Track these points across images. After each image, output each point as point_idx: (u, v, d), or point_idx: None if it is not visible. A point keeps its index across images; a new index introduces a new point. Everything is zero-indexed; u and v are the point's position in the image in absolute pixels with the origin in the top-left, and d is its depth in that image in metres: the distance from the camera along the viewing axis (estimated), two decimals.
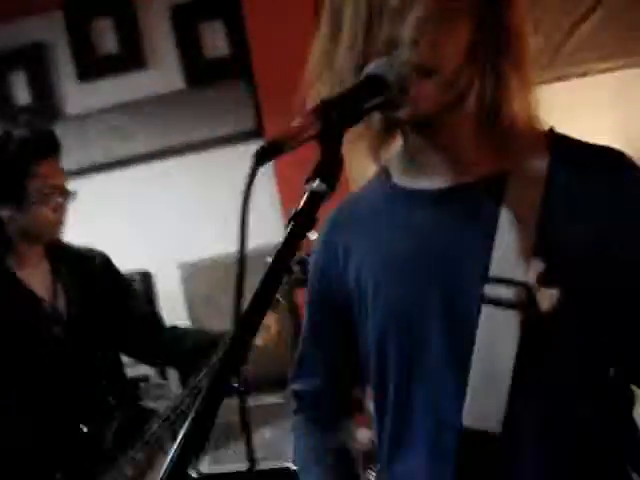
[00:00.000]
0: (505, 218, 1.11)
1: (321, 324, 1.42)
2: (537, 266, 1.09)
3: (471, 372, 1.10)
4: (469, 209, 1.16)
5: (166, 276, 4.20)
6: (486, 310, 1.10)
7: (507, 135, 1.13)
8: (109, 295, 2.49)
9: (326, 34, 1.22)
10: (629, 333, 1.14)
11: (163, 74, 4.47)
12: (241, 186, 4.50)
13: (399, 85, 1.08)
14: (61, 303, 2.37)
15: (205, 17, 4.23)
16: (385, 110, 1.10)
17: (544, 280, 1.08)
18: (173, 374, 3.80)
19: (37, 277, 2.38)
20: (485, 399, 1.09)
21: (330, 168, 0.99)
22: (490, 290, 1.10)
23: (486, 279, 1.11)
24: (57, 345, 2.33)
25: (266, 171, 4.13)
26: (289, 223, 0.97)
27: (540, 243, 1.11)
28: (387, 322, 1.21)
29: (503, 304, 1.09)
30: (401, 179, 1.28)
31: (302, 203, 0.98)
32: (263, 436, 3.46)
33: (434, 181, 1.17)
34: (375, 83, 1.06)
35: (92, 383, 2.39)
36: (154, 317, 2.63)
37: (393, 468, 1.25)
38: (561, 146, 1.18)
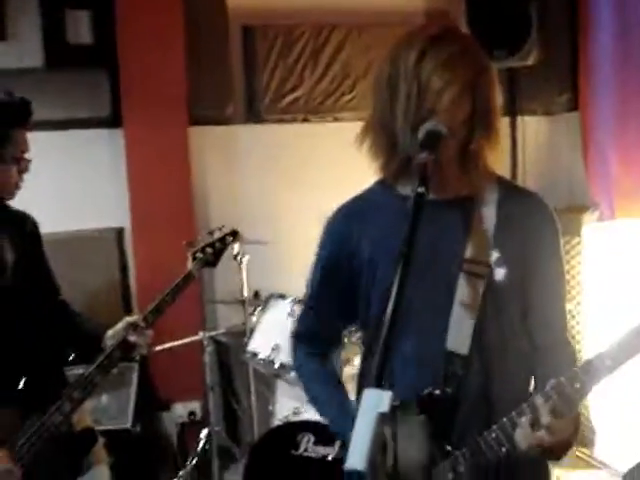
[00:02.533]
0: (474, 224, 1.79)
1: (329, 284, 1.97)
2: (494, 255, 1.76)
3: (452, 315, 1.75)
4: (450, 215, 1.80)
5: None
6: (463, 277, 1.76)
7: (478, 171, 1.79)
8: (38, 255, 2.67)
9: (385, 102, 1.76)
10: (531, 300, 1.83)
11: (23, 49, 4.51)
12: (90, 168, 4.75)
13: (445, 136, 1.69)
14: (6, 254, 2.49)
15: (73, 5, 4.48)
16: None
17: (498, 263, 1.76)
18: None
19: None
20: (460, 332, 1.74)
21: (426, 180, 1.57)
22: (466, 266, 1.77)
23: (464, 259, 1.77)
24: (4, 292, 2.44)
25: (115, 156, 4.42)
26: (415, 205, 1.54)
27: (496, 241, 1.78)
28: (386, 287, 1.61)
29: (473, 275, 1.76)
30: (402, 189, 1.84)
31: (414, 203, 1.55)
32: (100, 401, 4.10)
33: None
34: (435, 134, 1.67)
35: (36, 330, 2.54)
36: (58, 288, 2.75)
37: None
38: (502, 182, 1.89)
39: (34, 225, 2.66)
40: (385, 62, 1.80)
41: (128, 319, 2.57)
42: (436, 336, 1.75)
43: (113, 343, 2.51)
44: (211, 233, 3.01)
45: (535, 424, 1.56)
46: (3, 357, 2.41)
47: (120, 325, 2.55)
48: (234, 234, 3.00)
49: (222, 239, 2.94)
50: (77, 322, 2.71)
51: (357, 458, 1.14)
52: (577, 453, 4.28)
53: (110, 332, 2.56)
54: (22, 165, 2.50)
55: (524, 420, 1.58)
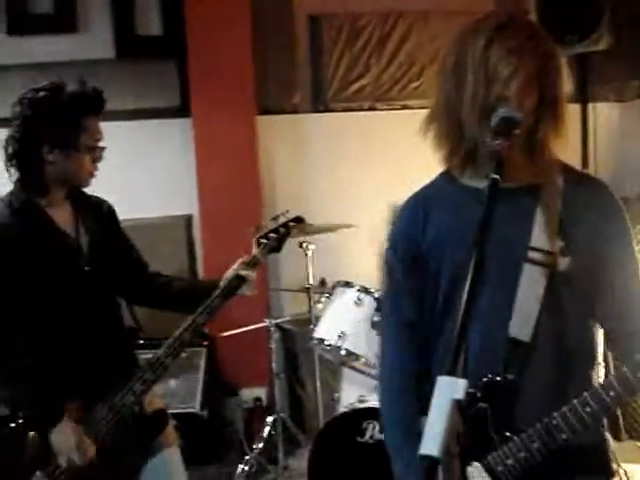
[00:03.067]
0: (539, 213, 1.78)
1: (405, 274, 1.93)
2: (559, 243, 1.75)
3: (516, 303, 1.74)
4: (514, 204, 1.76)
5: None
6: (527, 266, 1.75)
7: (544, 160, 1.77)
8: (116, 239, 2.78)
9: (451, 90, 1.74)
10: (601, 290, 1.81)
11: (94, 41, 4.61)
12: (159, 157, 4.84)
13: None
14: (83, 239, 2.58)
15: None
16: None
17: (562, 252, 1.74)
18: None
19: (63, 215, 2.57)
20: (523, 320, 1.74)
21: (501, 167, 1.56)
22: (531, 254, 1.76)
23: (528, 248, 1.76)
24: (80, 275, 2.54)
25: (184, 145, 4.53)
26: (490, 191, 1.52)
27: (560, 231, 1.76)
28: (456, 273, 1.75)
29: (538, 263, 1.75)
30: (467, 181, 1.83)
31: (489, 189, 1.52)
32: (169, 385, 4.20)
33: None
34: (510, 121, 1.65)
35: (109, 311, 2.67)
36: (143, 261, 2.89)
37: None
38: (568, 170, 1.86)
39: (110, 210, 2.75)
40: (451, 50, 1.78)
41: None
42: (499, 323, 1.75)
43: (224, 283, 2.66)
44: (275, 219, 3.02)
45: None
46: (77, 338, 2.49)
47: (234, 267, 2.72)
48: (298, 220, 3.01)
49: (285, 225, 2.95)
50: (175, 285, 2.81)
51: (432, 444, 1.15)
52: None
53: (226, 274, 2.70)
54: (96, 154, 2.54)
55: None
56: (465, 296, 1.39)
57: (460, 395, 1.19)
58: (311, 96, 5.01)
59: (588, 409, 1.60)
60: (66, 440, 2.36)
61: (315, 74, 5.00)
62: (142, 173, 4.72)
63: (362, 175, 4.86)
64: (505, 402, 1.71)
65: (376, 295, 3.62)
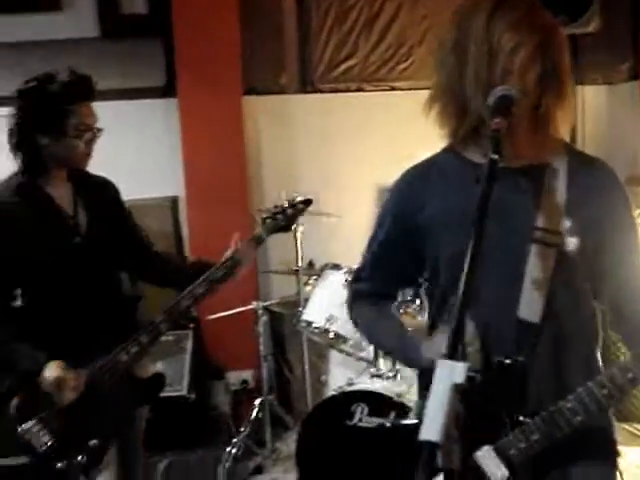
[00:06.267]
0: (545, 193, 1.77)
1: (394, 241, 1.95)
2: (565, 224, 1.74)
3: (524, 284, 1.73)
4: (519, 184, 1.77)
5: None
6: (534, 247, 1.74)
7: (548, 136, 1.77)
8: (118, 217, 2.91)
9: (453, 68, 1.74)
10: (606, 270, 1.82)
11: (78, 19, 4.55)
12: (144, 138, 4.79)
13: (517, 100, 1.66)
14: (81, 218, 2.73)
15: None
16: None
17: (569, 232, 1.74)
18: None
19: (62, 195, 2.72)
20: (531, 301, 1.73)
21: (500, 146, 1.54)
22: (538, 234, 1.74)
23: (535, 228, 1.74)
24: (77, 252, 2.68)
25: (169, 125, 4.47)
26: (489, 172, 1.50)
27: (567, 210, 1.76)
28: (457, 252, 1.61)
29: (545, 244, 1.74)
30: (471, 155, 1.82)
31: (488, 169, 1.51)
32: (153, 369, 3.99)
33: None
34: (506, 99, 1.63)
35: (105, 282, 2.80)
36: (148, 241, 3.04)
37: None
38: (571, 150, 1.87)
39: (114, 190, 2.91)
40: (451, 27, 1.77)
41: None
42: (507, 305, 1.74)
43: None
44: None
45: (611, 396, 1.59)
46: (76, 308, 2.63)
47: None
48: (307, 202, 3.07)
49: (294, 205, 3.01)
50: (177, 264, 3.04)
51: (432, 429, 1.13)
52: (632, 429, 4.23)
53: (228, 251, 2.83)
54: (87, 136, 2.66)
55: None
56: (463, 279, 1.36)
57: (460, 379, 1.17)
58: (298, 76, 4.96)
59: (605, 391, 1.60)
60: (53, 375, 2.50)
61: (302, 54, 4.94)
62: (127, 154, 4.65)
63: (349, 156, 4.83)
64: (516, 384, 1.71)
65: None
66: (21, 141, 2.65)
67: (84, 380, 2.56)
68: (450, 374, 1.18)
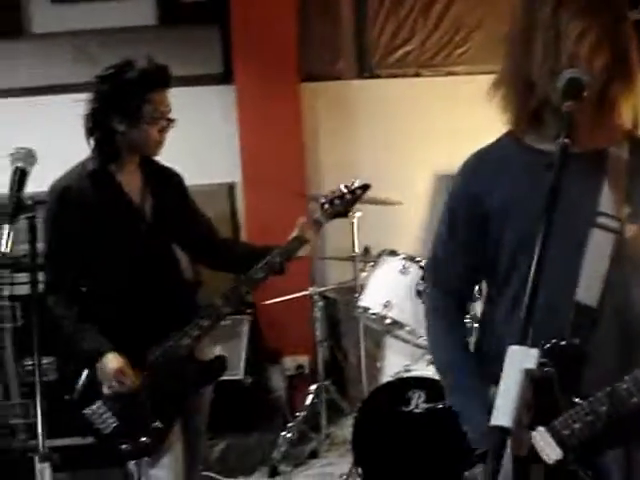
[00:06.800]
0: (607, 179, 1.76)
1: (463, 235, 1.92)
2: (626, 210, 1.74)
3: (583, 268, 1.74)
4: (581, 170, 1.73)
5: None
6: (595, 231, 1.74)
7: (613, 122, 1.73)
8: (183, 208, 2.96)
9: (521, 54, 1.72)
10: None
11: (136, 8, 4.60)
12: (202, 125, 4.82)
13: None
14: (148, 206, 2.79)
15: None
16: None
17: (629, 219, 1.74)
18: None
19: (132, 182, 2.78)
20: (590, 285, 1.73)
21: (571, 130, 1.52)
22: (599, 219, 1.74)
23: (597, 212, 1.74)
24: (142, 238, 2.76)
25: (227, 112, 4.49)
26: (561, 151, 1.49)
27: (627, 197, 1.75)
28: (524, 235, 1.73)
29: (606, 229, 1.74)
30: (533, 142, 1.79)
31: (559, 153, 1.49)
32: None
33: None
34: (577, 82, 1.59)
35: (168, 267, 2.88)
36: (213, 229, 3.07)
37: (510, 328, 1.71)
38: (633, 137, 1.80)
39: (179, 179, 2.97)
40: (518, 13, 1.75)
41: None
42: (566, 288, 1.74)
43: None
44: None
45: None
46: (138, 289, 2.72)
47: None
48: (365, 187, 3.07)
49: (353, 191, 3.02)
50: (241, 249, 3.08)
51: (503, 414, 1.12)
52: None
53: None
54: (161, 124, 2.71)
55: None
56: (534, 266, 1.35)
57: (532, 364, 1.17)
58: (355, 62, 4.94)
59: None
60: (109, 368, 2.58)
61: (359, 40, 4.92)
62: (185, 140, 4.67)
63: (407, 142, 4.80)
64: (571, 367, 1.71)
65: (422, 264, 3.59)
66: (97, 126, 2.70)
67: (141, 380, 2.63)
68: (521, 359, 1.18)
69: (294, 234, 2.86)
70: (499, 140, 1.91)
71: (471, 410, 1.80)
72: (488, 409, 1.27)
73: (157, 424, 2.64)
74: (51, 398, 2.02)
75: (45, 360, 3.51)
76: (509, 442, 1.14)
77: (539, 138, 1.77)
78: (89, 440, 2.66)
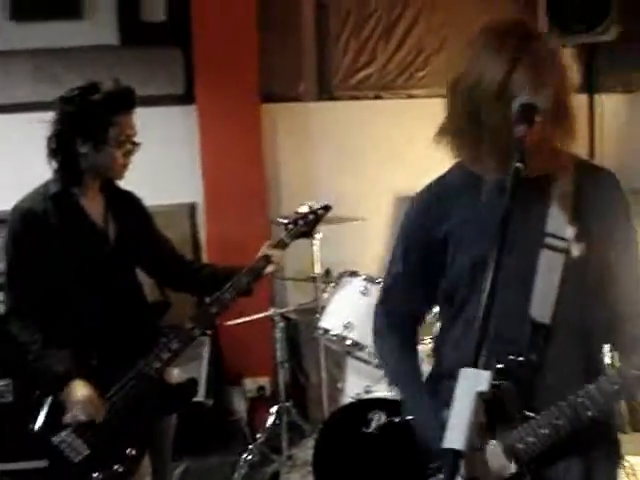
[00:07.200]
0: (553, 202, 1.83)
1: (416, 261, 2.00)
2: (572, 231, 1.80)
3: (535, 287, 1.80)
4: (529, 194, 1.76)
5: None
6: (544, 252, 1.81)
7: (555, 153, 1.81)
8: (145, 230, 3.00)
9: (466, 115, 1.73)
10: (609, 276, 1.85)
11: (98, 27, 4.58)
12: (163, 145, 4.79)
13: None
14: (111, 229, 2.79)
15: None
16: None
17: (576, 239, 1.80)
18: None
19: (94, 206, 2.77)
20: (542, 303, 1.80)
21: (524, 155, 1.56)
22: (547, 240, 1.81)
23: (545, 233, 1.81)
24: (106, 261, 2.76)
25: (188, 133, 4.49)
26: (514, 175, 1.53)
27: (573, 218, 1.82)
28: (477, 259, 1.80)
29: (554, 249, 1.80)
30: (480, 171, 1.83)
31: (512, 177, 1.53)
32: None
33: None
34: (529, 107, 1.63)
35: (131, 290, 2.90)
36: (176, 250, 3.12)
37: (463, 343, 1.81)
38: (579, 162, 1.91)
39: (140, 203, 2.99)
40: (467, 64, 1.74)
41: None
42: (520, 306, 1.80)
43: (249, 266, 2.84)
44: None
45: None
46: (103, 315, 2.70)
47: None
48: (326, 208, 3.11)
49: (315, 212, 3.06)
50: (206, 272, 3.03)
51: (456, 437, 1.13)
52: None
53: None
54: (127, 148, 2.71)
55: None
56: (486, 290, 1.37)
57: (484, 387, 1.18)
58: (316, 84, 4.96)
59: (616, 387, 1.64)
60: (76, 395, 2.54)
61: (321, 62, 4.95)
62: (146, 161, 4.65)
63: (367, 164, 4.83)
64: (526, 382, 1.76)
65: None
66: (60, 148, 2.66)
67: (106, 407, 2.60)
68: (474, 382, 1.19)
69: (260, 253, 2.86)
70: (450, 170, 1.97)
71: (423, 412, 1.89)
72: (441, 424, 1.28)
73: (132, 451, 2.60)
74: (6, 421, 1.99)
75: (1, 382, 3.47)
76: (462, 463, 1.14)
77: (484, 169, 1.80)
78: (41, 464, 2.58)
